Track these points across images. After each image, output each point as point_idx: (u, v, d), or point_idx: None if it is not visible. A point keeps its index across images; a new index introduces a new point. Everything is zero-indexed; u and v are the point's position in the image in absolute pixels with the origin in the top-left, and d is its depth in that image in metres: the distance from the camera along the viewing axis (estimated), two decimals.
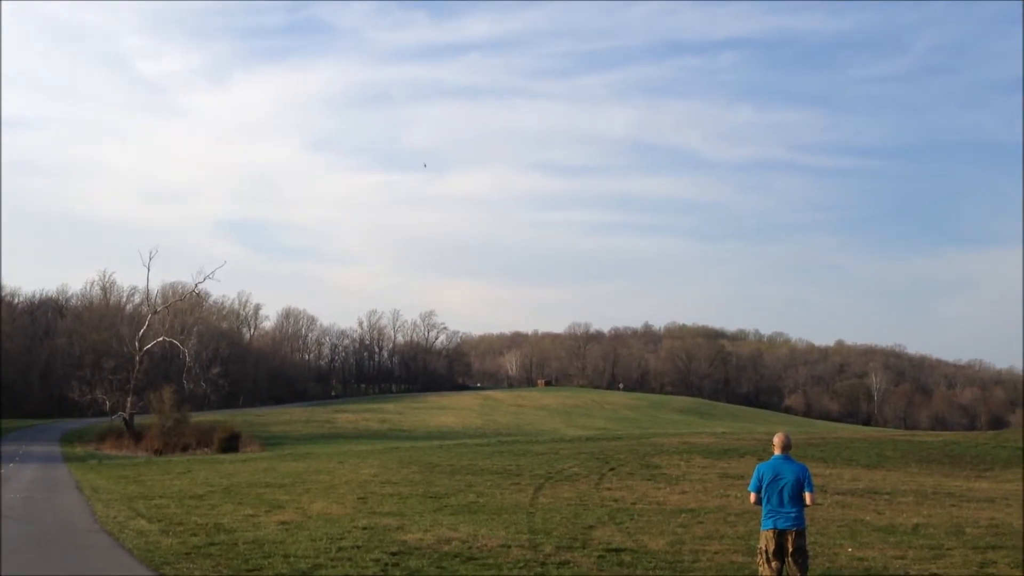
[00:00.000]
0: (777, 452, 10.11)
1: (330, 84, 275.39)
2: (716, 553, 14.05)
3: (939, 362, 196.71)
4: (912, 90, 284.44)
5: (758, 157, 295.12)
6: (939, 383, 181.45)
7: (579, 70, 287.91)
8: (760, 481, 9.98)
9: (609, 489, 23.87)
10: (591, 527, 16.84)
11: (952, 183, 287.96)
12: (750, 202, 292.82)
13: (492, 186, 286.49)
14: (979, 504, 21.65)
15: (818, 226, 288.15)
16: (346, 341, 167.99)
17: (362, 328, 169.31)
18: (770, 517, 9.85)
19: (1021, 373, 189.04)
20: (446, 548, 14.13)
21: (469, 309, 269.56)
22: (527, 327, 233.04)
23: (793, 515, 9.76)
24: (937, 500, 22.29)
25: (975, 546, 15.09)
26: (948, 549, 14.76)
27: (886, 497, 22.67)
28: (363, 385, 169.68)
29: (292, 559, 13.13)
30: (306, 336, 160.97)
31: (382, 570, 12.33)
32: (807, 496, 9.80)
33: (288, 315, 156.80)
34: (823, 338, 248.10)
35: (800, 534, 9.81)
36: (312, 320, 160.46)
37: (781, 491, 9.80)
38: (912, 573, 12.70)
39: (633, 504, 20.76)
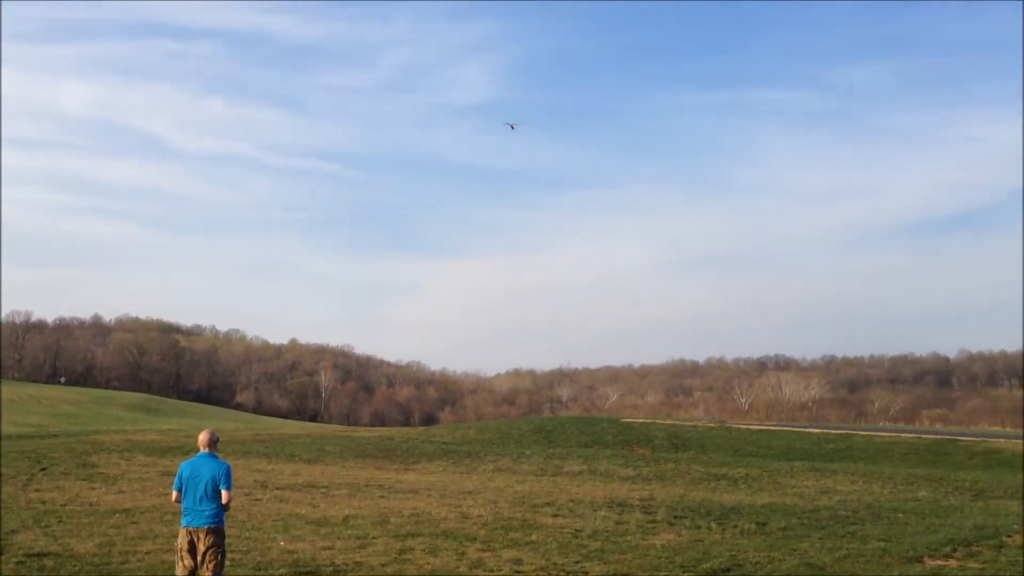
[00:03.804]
0: (202, 450, 10.16)
1: None
2: (148, 553, 13.78)
3: (383, 362, 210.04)
4: (377, 104, 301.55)
5: (227, 151, 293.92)
6: (381, 382, 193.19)
7: (41, 38, 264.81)
8: (181, 479, 10.01)
9: (38, 491, 22.23)
10: (13, 532, 15.60)
11: (407, 195, 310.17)
12: (216, 195, 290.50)
13: None
14: (405, 495, 23.51)
15: (282, 225, 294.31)
16: None
17: None
18: (187, 515, 9.91)
19: (450, 374, 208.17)
20: None
21: None
22: None
23: (207, 513, 9.85)
24: (368, 492, 23.82)
25: (396, 534, 16.42)
26: (373, 538, 15.88)
27: (322, 491, 23.75)
28: None
29: None
30: None
31: None
32: (224, 494, 9.92)
33: None
34: (278, 336, 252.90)
35: (213, 532, 9.88)
36: None
37: (199, 489, 9.89)
38: (338, 562, 13.48)
39: (63, 506, 19.55)
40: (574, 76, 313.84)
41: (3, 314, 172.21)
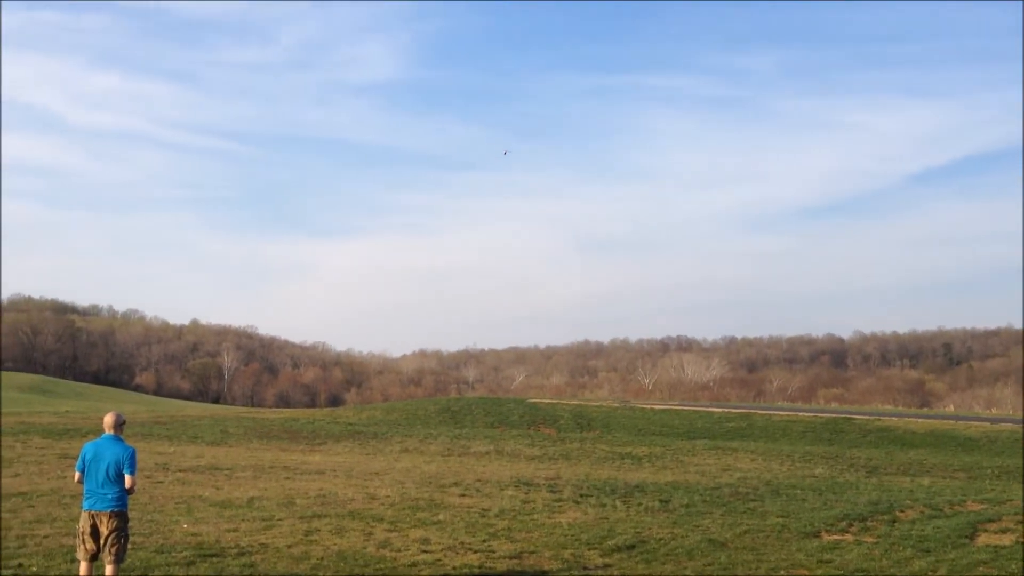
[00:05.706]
0: (107, 432, 9.95)
1: None
2: (46, 537, 13.41)
3: (287, 343, 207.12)
4: (275, 80, 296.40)
5: (121, 127, 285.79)
6: (286, 363, 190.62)
7: None
8: (84, 461, 9.79)
9: None
10: None
11: (302, 174, 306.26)
12: (109, 172, 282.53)
13: None
14: (311, 476, 23.31)
15: (179, 203, 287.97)
16: None
17: None
18: (89, 497, 9.71)
19: (356, 355, 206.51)
20: None
21: None
22: None
23: (111, 496, 9.67)
24: (273, 474, 23.55)
25: (303, 515, 16.27)
26: (278, 520, 15.72)
27: (226, 473, 23.39)
28: None
29: None
30: None
31: None
32: (128, 478, 9.75)
33: None
34: (179, 317, 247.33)
35: (117, 515, 9.72)
36: None
37: (101, 472, 9.69)
38: (243, 544, 13.32)
39: None
40: (473, 58, 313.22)
41: None
